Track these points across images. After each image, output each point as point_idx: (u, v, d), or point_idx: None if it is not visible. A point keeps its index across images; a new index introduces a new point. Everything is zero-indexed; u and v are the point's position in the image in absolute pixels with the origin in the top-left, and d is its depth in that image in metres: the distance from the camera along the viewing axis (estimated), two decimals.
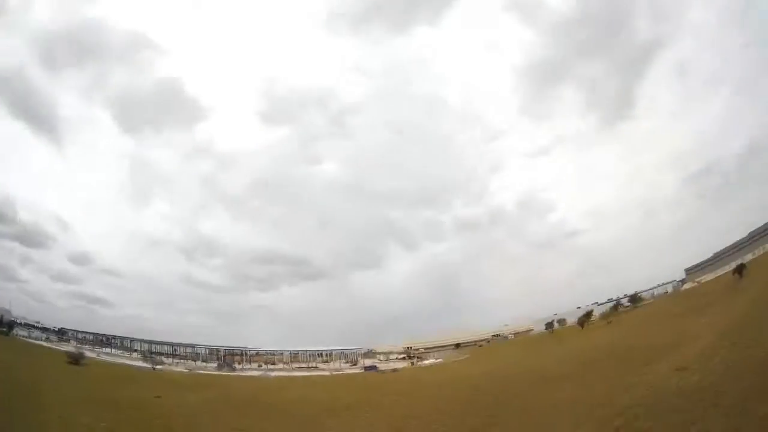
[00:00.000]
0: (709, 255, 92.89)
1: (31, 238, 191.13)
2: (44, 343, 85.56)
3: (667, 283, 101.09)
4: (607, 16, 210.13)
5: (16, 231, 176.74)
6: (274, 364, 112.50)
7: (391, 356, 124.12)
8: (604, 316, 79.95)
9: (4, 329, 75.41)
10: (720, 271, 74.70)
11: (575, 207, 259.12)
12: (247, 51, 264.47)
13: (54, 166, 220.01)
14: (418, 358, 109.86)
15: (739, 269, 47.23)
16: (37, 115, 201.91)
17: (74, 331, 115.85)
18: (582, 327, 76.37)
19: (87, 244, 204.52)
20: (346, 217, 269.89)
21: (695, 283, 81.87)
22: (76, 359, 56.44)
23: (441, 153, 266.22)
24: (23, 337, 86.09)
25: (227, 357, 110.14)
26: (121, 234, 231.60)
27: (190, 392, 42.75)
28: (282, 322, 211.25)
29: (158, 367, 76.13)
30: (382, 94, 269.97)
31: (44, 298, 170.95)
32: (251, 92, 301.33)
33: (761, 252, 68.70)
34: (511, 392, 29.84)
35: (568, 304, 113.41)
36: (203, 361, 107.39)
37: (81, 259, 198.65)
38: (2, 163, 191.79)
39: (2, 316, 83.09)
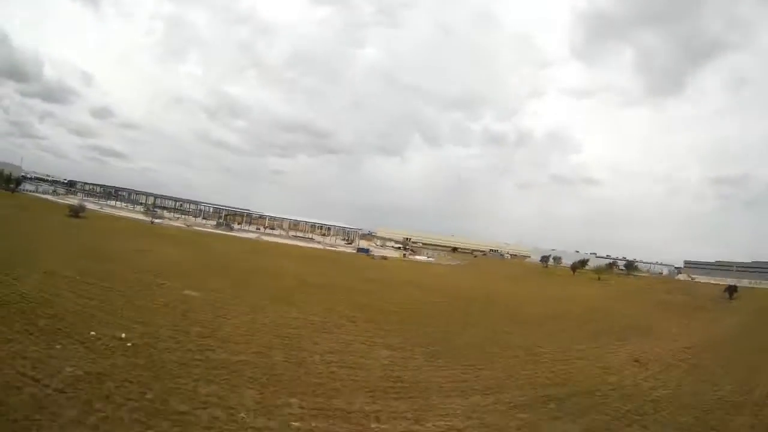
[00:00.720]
0: (712, 260, 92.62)
1: (54, 94, 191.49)
2: (50, 197, 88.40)
3: (665, 264, 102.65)
4: None
5: (39, 89, 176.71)
6: (273, 229, 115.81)
7: (388, 243, 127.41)
8: (597, 270, 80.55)
9: (12, 185, 77.17)
10: (713, 280, 74.77)
11: (600, 157, 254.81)
12: None
13: (87, 23, 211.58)
14: (411, 251, 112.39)
15: (731, 290, 47.13)
16: None
17: (83, 183, 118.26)
18: (573, 272, 79.14)
19: (111, 98, 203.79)
20: (378, 103, 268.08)
21: (689, 279, 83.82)
22: (76, 212, 59.29)
23: (484, 65, 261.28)
24: (30, 191, 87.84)
25: (227, 217, 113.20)
26: (147, 90, 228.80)
27: (175, 247, 44.96)
28: (293, 190, 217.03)
29: (157, 221, 78.54)
30: None
31: (60, 151, 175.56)
32: None
33: (758, 285, 67.55)
34: (475, 314, 31.58)
35: (569, 244, 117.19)
36: (204, 218, 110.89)
37: (102, 113, 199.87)
38: (34, 21, 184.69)
39: (10, 173, 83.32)
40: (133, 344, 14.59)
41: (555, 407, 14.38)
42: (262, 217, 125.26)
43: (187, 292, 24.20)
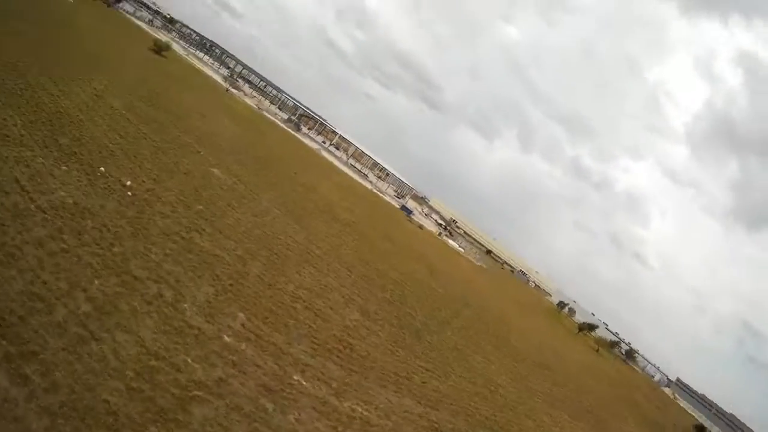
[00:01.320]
0: (700, 390, 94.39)
1: None
2: (143, 25, 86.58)
3: (659, 370, 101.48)
4: None
5: None
6: (337, 148, 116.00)
7: (434, 215, 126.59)
8: (599, 341, 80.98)
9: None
10: (689, 408, 77.32)
11: (661, 245, 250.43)
12: None
13: None
14: (449, 233, 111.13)
15: (699, 429, 45.93)
16: None
17: (183, 24, 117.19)
18: (578, 332, 78.22)
19: None
20: (495, 82, 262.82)
21: (671, 395, 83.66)
22: (159, 49, 57.65)
23: (608, 100, 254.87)
24: (127, 12, 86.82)
25: (302, 117, 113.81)
26: None
27: (234, 123, 45.40)
28: (374, 120, 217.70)
29: (231, 90, 79.16)
30: (612, 21, 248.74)
31: None
32: None
33: None
34: (463, 319, 31.28)
35: (590, 303, 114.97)
36: (279, 108, 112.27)
37: None
38: None
39: None
40: (133, 194, 15.53)
41: None
42: (334, 132, 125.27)
43: (214, 170, 25.01)
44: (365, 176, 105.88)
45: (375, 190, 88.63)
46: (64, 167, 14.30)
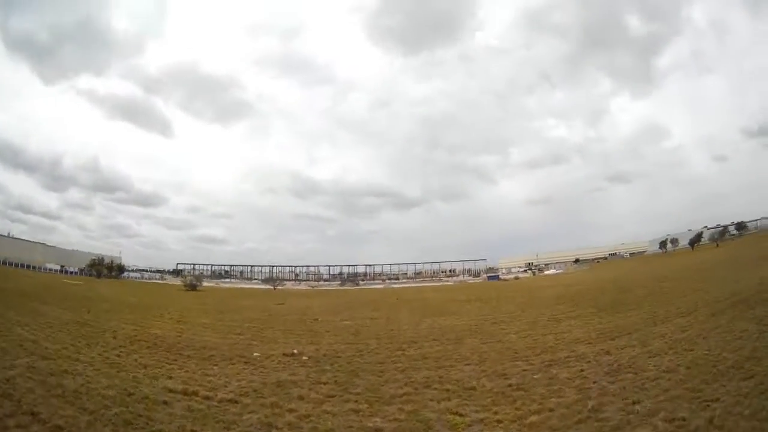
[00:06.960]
0: None
1: (148, 201, 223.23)
2: (158, 280, 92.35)
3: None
4: None
5: (133, 197, 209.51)
6: (397, 279, 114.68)
7: (513, 269, 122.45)
8: (713, 238, 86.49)
9: (113, 273, 79.12)
10: None
11: (690, 135, 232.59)
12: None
13: (163, 148, 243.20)
14: (538, 269, 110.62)
15: None
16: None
17: (192, 264, 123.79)
18: (693, 247, 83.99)
19: (202, 199, 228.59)
20: (430, 161, 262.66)
21: None
22: (193, 286, 57.00)
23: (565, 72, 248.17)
24: (135, 278, 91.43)
25: (351, 275, 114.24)
26: (233, 186, 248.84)
27: (311, 298, 44.94)
28: (395, 242, 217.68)
29: (280, 287, 78.38)
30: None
31: (161, 245, 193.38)
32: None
33: None
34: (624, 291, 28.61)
35: (679, 227, 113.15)
36: (325, 280, 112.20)
37: (194, 209, 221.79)
38: (118, 153, 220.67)
39: (111, 261, 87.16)
40: (310, 357, 12.05)
41: None
42: (382, 273, 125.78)
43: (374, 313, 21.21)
44: (439, 280, 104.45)
45: (457, 283, 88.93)
46: (215, 367, 11.47)
